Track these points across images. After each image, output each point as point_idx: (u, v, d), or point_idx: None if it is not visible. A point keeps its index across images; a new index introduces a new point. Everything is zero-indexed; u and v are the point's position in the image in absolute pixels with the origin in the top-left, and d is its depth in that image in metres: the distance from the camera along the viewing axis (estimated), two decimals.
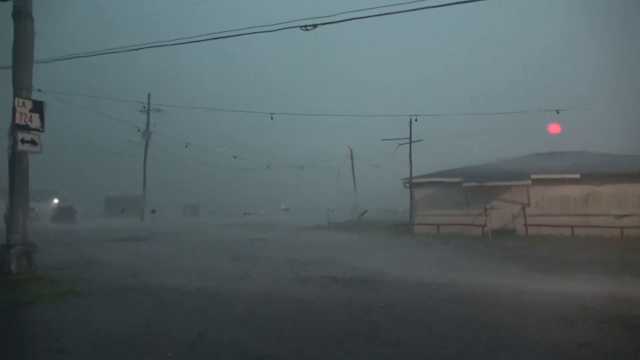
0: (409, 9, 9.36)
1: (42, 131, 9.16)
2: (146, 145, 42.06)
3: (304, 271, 9.81)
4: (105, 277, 8.69)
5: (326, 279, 8.81)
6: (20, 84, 9.04)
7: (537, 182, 22.37)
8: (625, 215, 21.26)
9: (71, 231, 26.21)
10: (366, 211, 31.96)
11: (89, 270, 9.73)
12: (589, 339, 4.83)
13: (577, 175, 22.03)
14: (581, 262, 11.70)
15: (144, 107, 37.36)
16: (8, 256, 8.55)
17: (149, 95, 41.61)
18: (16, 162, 8.92)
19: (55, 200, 53.97)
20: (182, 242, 18.87)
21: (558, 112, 19.84)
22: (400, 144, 30.29)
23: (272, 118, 19.64)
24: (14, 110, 8.62)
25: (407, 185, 26.35)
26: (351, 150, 45.72)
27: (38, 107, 9.09)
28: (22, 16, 9.16)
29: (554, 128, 22.33)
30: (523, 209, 22.88)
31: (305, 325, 5.42)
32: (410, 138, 29.26)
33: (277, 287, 7.92)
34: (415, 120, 25.15)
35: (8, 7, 9.30)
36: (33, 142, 8.93)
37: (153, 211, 29.26)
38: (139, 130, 39.02)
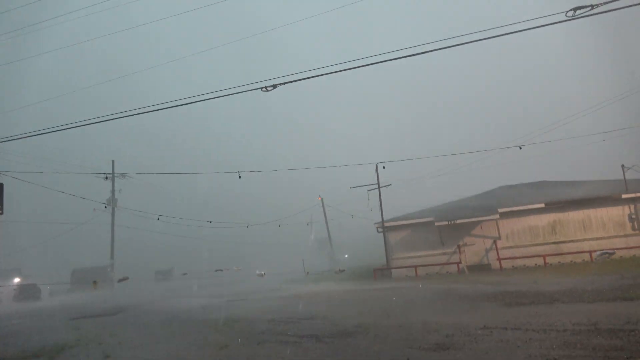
0: (356, 65, 9.78)
1: (1, 213, 8.86)
2: (112, 213, 41.08)
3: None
4: None
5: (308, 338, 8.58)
6: None
7: (504, 215, 22.95)
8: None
9: (36, 311, 24.77)
10: (343, 271, 31.71)
11: (57, 357, 9.15)
12: None
13: (542, 205, 22.76)
14: (557, 293, 11.86)
15: (107, 178, 36.83)
16: None
17: (113, 162, 41.17)
18: None
19: (17, 279, 51.25)
20: (158, 310, 18.07)
21: (520, 148, 20.67)
22: (369, 190, 30.73)
23: (239, 177, 19.64)
24: None
25: (379, 230, 26.48)
26: (322, 200, 45.89)
27: None
28: None
29: None
30: (495, 242, 23.30)
31: None
32: (378, 184, 29.72)
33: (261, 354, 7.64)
34: (384, 167, 25.69)
35: None
36: None
37: (123, 279, 27.92)
38: (105, 207, 38.03)
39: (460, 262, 23.38)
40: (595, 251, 21.04)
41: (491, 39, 8.95)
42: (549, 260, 21.85)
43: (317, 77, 10.22)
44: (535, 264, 22.03)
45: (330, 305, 14.10)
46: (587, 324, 7.45)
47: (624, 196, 21.92)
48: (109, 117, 11.69)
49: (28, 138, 12.60)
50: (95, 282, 29.48)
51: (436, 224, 23.59)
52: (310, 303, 15.47)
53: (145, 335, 11.23)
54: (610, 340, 6.27)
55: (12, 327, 16.39)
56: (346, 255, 45.77)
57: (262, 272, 39.48)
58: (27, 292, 42.29)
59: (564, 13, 8.03)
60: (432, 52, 9.18)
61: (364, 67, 9.81)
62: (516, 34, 8.74)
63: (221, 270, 36.48)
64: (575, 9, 7.86)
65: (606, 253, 20.43)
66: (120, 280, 28.77)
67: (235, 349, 8.23)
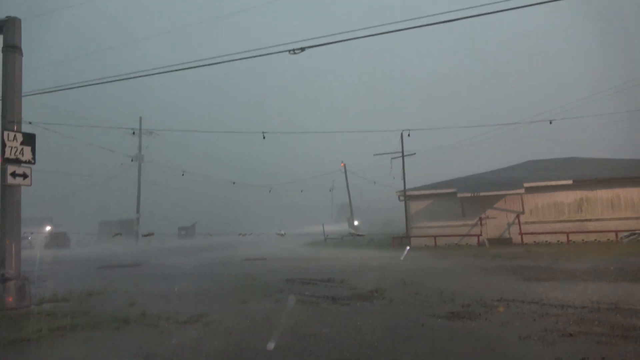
0: (393, 29, 9.51)
1: (34, 164, 9.13)
2: (139, 169, 41.99)
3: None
4: (102, 309, 8.57)
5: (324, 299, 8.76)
6: (10, 118, 9.03)
7: (530, 190, 22.52)
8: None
9: (65, 258, 25.92)
10: (363, 235, 31.82)
11: (86, 301, 9.59)
12: (590, 353, 4.82)
13: (570, 182, 22.21)
14: (579, 270, 11.72)
15: (134, 133, 37.50)
16: (2, 291, 8.45)
17: (140, 118, 41.73)
18: (7, 195, 8.85)
19: (49, 228, 53.50)
20: (180, 265, 18.70)
21: (550, 123, 20.01)
22: (393, 158, 30.48)
23: (264, 137, 19.67)
24: (3, 144, 8.58)
25: (401, 198, 26.42)
26: (345, 166, 45.80)
27: (29, 140, 9.06)
28: (10, 51, 9.19)
29: None
30: (518, 217, 22.99)
31: None
32: (402, 152, 29.43)
33: (279, 309, 7.86)
34: (408, 135, 25.29)
35: None
36: (24, 176, 8.88)
37: (149, 235, 28.93)
38: (132, 160, 38.96)
39: (480, 235, 23.24)
40: (621, 231, 20.58)
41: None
42: (572, 237, 21.51)
43: (345, 42, 10.00)
44: (558, 241, 21.73)
45: (348, 270, 14.28)
46: (607, 303, 7.36)
47: None
48: (137, 74, 11.77)
49: (60, 93, 12.84)
50: (118, 234, 30.55)
51: (459, 195, 23.35)
52: (327, 267, 15.70)
53: (167, 287, 11.64)
54: (630, 320, 6.19)
55: (43, 273, 17.21)
56: (356, 223, 45.73)
57: (283, 232, 40.13)
58: (57, 240, 44.18)
59: None
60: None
61: (395, 33, 9.53)
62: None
63: (244, 235, 37.23)
64: None
65: (634, 234, 19.96)
66: (145, 235, 29.79)
67: (253, 305, 8.46)
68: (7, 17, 9.38)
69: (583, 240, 21.35)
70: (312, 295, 9.29)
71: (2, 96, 9.18)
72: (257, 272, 14.41)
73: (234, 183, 35.36)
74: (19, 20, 9.48)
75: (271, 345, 5.62)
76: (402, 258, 17.43)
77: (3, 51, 9.21)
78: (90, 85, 12.05)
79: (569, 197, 22.53)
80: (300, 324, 6.78)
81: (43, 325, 7.13)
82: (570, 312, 6.86)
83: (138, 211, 43.21)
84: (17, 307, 8.34)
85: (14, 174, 8.70)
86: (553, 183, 22.57)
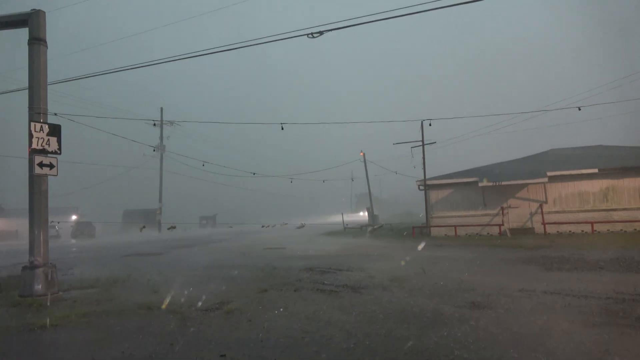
0: (416, 11, 9.37)
1: (60, 154, 9.34)
2: (161, 159, 42.57)
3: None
4: (126, 295, 8.79)
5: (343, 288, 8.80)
6: (37, 109, 9.24)
7: (553, 179, 22.08)
8: None
9: (91, 247, 26.59)
10: (382, 225, 31.60)
11: (111, 288, 9.85)
12: (614, 345, 4.74)
13: (595, 170, 21.69)
14: (602, 261, 11.48)
15: (155, 124, 38.04)
16: (31, 278, 8.73)
17: (162, 109, 42.23)
18: (35, 185, 9.09)
19: (74, 217, 54.88)
20: (203, 252, 19.00)
21: (580, 109, 19.45)
22: (413, 147, 30.21)
23: (282, 128, 19.69)
24: (30, 135, 8.80)
25: (421, 187, 26.21)
26: (364, 155, 45.57)
27: (55, 131, 9.27)
28: (36, 43, 9.38)
29: None
30: (540, 206, 22.61)
31: None
32: (422, 141, 29.14)
33: (299, 298, 7.94)
34: (430, 124, 24.97)
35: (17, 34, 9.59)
36: (51, 166, 9.10)
37: (172, 227, 29.47)
38: (154, 150, 39.53)
39: (502, 224, 22.95)
40: None
41: None
42: (597, 227, 21.06)
43: (367, 24, 9.89)
44: (582, 231, 21.32)
45: (367, 259, 14.29)
46: (632, 294, 7.22)
47: None
48: (158, 61, 11.88)
49: (83, 82, 13.05)
50: (143, 227, 31.16)
51: (480, 184, 23.05)
52: (347, 256, 15.74)
53: (190, 275, 11.85)
54: None
55: (70, 260, 17.70)
56: (375, 213, 45.44)
57: (302, 224, 40.32)
58: (83, 229, 45.34)
59: None
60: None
61: (414, 15, 9.37)
62: None
63: (267, 227, 37.41)
64: None
65: None
66: (169, 228, 30.32)
67: (274, 293, 8.56)
68: (32, 10, 9.55)
69: (608, 230, 20.89)
70: (332, 284, 9.34)
71: (29, 88, 9.39)
72: (277, 261, 14.54)
73: (253, 174, 35.52)
74: (44, 12, 9.65)
75: (291, 332, 5.69)
76: (419, 248, 17.35)
77: (29, 43, 9.39)
78: (111, 72, 12.22)
79: (594, 186, 22.02)
80: (320, 312, 6.83)
81: (70, 312, 7.35)
82: (593, 302, 6.75)
83: (160, 201, 43.94)
84: (45, 294, 8.60)
85: (41, 164, 8.92)
86: (578, 172, 22.07)
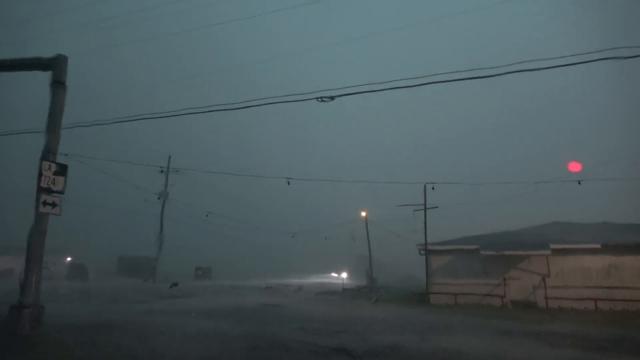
0: (418, 83, 9.73)
1: (63, 194, 9.43)
2: (163, 207, 42.57)
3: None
4: (113, 343, 8.51)
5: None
6: (50, 149, 9.44)
7: (556, 252, 21.83)
8: None
9: (83, 291, 26.04)
10: (381, 295, 30.69)
11: (98, 334, 9.55)
12: None
13: (598, 246, 21.46)
14: (604, 340, 11.12)
15: (162, 171, 38.53)
16: (20, 317, 8.52)
17: (169, 157, 42.80)
18: (36, 223, 9.10)
19: (69, 259, 54.18)
20: (192, 308, 18.53)
21: (579, 183, 19.64)
22: (415, 210, 30.20)
23: (288, 183, 19.90)
24: (40, 173, 8.93)
25: (422, 252, 25.90)
26: (366, 216, 45.45)
27: (62, 171, 9.41)
28: (58, 86, 9.75)
29: (574, 166, 22.06)
30: (543, 280, 22.20)
31: None
32: (425, 204, 29.20)
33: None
34: (432, 188, 25.14)
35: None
36: (54, 204, 9.15)
37: (174, 285, 28.87)
38: (159, 198, 39.75)
39: (504, 296, 22.44)
40: None
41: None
42: (600, 305, 20.54)
43: (373, 92, 10.26)
44: (585, 307, 20.77)
45: (363, 322, 13.91)
46: None
47: None
48: (163, 115, 12.23)
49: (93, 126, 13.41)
50: (175, 284, 30.46)
51: (482, 252, 22.79)
52: (342, 317, 15.33)
53: (178, 326, 11.53)
54: None
55: (60, 302, 17.30)
56: (374, 277, 44.27)
57: (300, 287, 39.35)
58: (76, 272, 44.57)
59: None
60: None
61: (426, 85, 9.74)
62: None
63: (270, 288, 36.41)
64: None
65: None
66: (171, 286, 29.62)
67: (265, 352, 8.28)
68: (57, 54, 10.01)
69: (610, 308, 20.36)
70: (325, 347, 9.04)
71: (48, 128, 9.63)
72: (269, 318, 14.16)
73: (257, 228, 35.43)
74: (66, 57, 10.10)
75: None
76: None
77: (51, 86, 9.77)
78: (122, 121, 12.57)
79: (597, 262, 21.71)
80: None
81: (53, 355, 7.11)
82: None
83: (159, 249, 43.38)
84: (30, 334, 8.36)
85: (44, 203, 8.98)
86: (581, 246, 21.83)
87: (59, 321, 11.32)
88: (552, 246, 21.68)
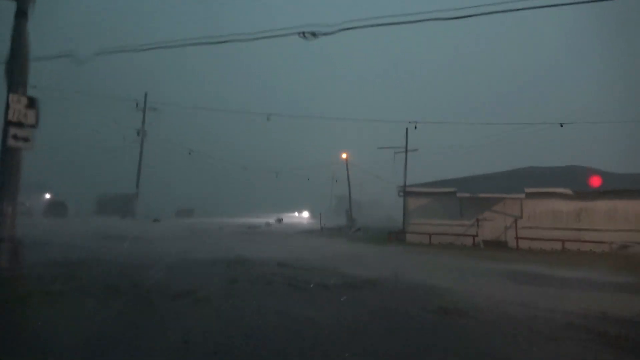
0: (407, 20, 9.43)
1: (36, 127, 9.11)
2: (141, 144, 41.89)
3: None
4: (94, 277, 8.61)
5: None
6: (16, 81, 8.99)
7: (530, 195, 22.48)
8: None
9: (62, 227, 26.00)
10: (359, 230, 31.53)
11: (79, 268, 9.64)
12: (575, 358, 4.84)
13: (569, 191, 22.16)
14: (569, 279, 11.74)
15: (137, 105, 37.40)
16: None
17: (146, 94, 41.56)
18: (8, 158, 8.84)
19: (47, 195, 53.60)
20: (174, 241, 18.73)
21: (562, 126, 19.86)
22: (396, 153, 30.43)
23: (268, 119, 19.65)
24: (7, 106, 8.56)
25: (400, 193, 26.39)
26: (347, 157, 45.64)
27: (33, 104, 9.04)
28: (21, 15, 9.17)
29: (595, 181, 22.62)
30: (515, 221, 22.99)
31: None
32: (406, 147, 29.39)
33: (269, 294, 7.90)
34: (415, 127, 25.18)
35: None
36: (26, 139, 8.86)
37: (156, 221, 28.69)
38: (138, 134, 38.91)
39: (476, 236, 23.27)
40: (616, 243, 20.60)
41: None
42: (568, 246, 21.52)
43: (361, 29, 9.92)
44: (553, 248, 21.74)
45: (342, 259, 14.31)
46: (596, 311, 7.37)
47: None
48: (147, 47, 11.71)
49: (67, 61, 12.78)
50: (119, 214, 30.42)
51: (458, 195, 23.33)
52: (321, 255, 15.74)
53: (161, 261, 11.69)
54: (617, 329, 6.20)
55: (38, 238, 17.25)
56: (354, 216, 45.23)
57: (281, 217, 40.11)
58: (55, 208, 44.20)
59: None
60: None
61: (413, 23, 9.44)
62: None
63: (249, 218, 36.85)
64: None
65: (626, 245, 19.99)
66: (154, 221, 29.50)
67: (244, 285, 8.50)
68: None
69: (578, 249, 21.36)
70: (303, 281, 9.32)
71: (10, 59, 9.13)
72: (249, 254, 14.44)
73: (246, 168, 35.17)
74: None
75: (257, 324, 5.65)
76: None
77: (15, 16, 9.20)
78: (99, 54, 11.99)
79: (568, 205, 22.50)
80: (289, 307, 6.80)
81: (34, 289, 7.17)
82: (558, 316, 6.88)
83: (137, 187, 43.12)
84: (9, 269, 8.36)
85: (15, 137, 8.68)
86: (553, 190, 22.52)
87: (38, 257, 11.34)
88: (527, 190, 22.28)
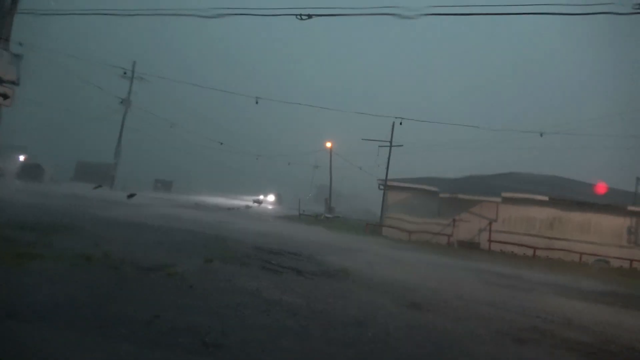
0: (406, 15, 9.39)
1: (17, 85, 8.85)
2: (125, 114, 41.12)
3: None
4: (65, 243, 8.45)
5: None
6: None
7: (507, 200, 22.88)
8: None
9: (37, 191, 25.41)
10: (338, 217, 31.79)
11: (51, 234, 9.44)
12: None
13: (546, 198, 22.63)
14: (538, 284, 12.03)
15: (125, 73, 36.52)
16: None
17: (134, 62, 40.65)
18: None
19: (22, 157, 52.18)
20: (151, 215, 18.50)
21: (541, 135, 20.27)
22: (380, 146, 30.53)
23: (257, 102, 19.45)
24: None
25: (381, 186, 26.57)
26: (331, 147, 45.60)
27: (16, 60, 8.76)
28: None
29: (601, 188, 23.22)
30: (490, 224, 23.40)
31: None
32: (391, 141, 29.51)
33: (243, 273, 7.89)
34: (400, 123, 25.30)
35: None
36: (4, 96, 8.60)
37: (132, 195, 27.74)
38: (121, 103, 38.12)
39: (451, 235, 23.62)
40: (585, 254, 21.13)
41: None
42: (538, 253, 22.03)
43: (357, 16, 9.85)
44: (524, 254, 22.23)
45: (317, 246, 14.36)
46: (561, 317, 7.58)
47: (629, 208, 21.74)
48: (141, 12, 11.43)
49: (55, 20, 12.40)
50: (99, 187, 29.81)
51: (440, 195, 23.62)
52: (297, 241, 15.76)
53: (135, 234, 11.55)
54: (579, 335, 6.40)
55: (11, 200, 16.85)
56: (332, 206, 45.42)
57: (260, 199, 40.00)
58: (31, 171, 42.99)
59: None
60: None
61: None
62: None
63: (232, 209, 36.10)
64: None
65: (602, 260, 20.59)
66: (129, 197, 28.60)
67: (219, 265, 8.47)
68: None
69: (547, 257, 21.87)
70: (278, 265, 9.33)
71: None
72: (226, 234, 14.37)
73: (221, 144, 34.69)
74: None
75: (231, 302, 5.65)
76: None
77: None
78: (85, 14, 11.66)
79: (543, 213, 22.99)
80: (261, 289, 6.81)
81: (3, 252, 7.00)
82: (523, 319, 7.06)
83: (116, 157, 42.40)
84: None
85: None
86: (529, 197, 22.95)
87: (10, 219, 11.07)
88: (503, 194, 22.68)
